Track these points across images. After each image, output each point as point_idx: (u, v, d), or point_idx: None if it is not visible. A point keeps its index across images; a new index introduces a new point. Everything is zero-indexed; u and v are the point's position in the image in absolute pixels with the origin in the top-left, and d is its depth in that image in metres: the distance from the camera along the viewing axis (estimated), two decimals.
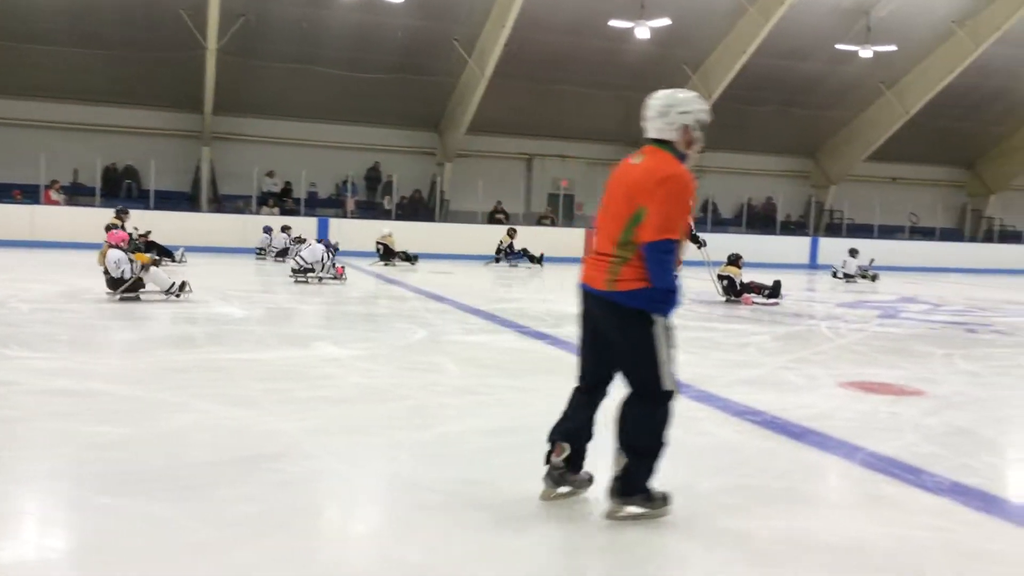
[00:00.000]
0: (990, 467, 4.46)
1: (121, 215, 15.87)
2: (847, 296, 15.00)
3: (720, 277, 12.88)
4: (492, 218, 24.56)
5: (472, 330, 8.97)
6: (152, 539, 3.13)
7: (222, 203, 23.24)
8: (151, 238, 16.35)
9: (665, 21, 19.82)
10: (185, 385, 5.66)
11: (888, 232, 27.15)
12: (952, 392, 6.37)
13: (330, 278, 13.60)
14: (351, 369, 6.52)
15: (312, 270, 13.47)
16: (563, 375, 6.51)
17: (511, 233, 20.23)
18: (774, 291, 12.76)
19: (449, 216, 24.54)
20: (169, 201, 22.33)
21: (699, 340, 8.79)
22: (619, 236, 3.29)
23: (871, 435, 4.92)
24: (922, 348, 8.72)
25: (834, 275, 19.10)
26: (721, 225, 26.80)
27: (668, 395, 3.37)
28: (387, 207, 24.14)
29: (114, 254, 9.91)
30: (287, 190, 23.81)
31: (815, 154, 28.17)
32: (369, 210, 24.25)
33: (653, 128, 3.42)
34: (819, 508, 3.82)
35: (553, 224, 24.66)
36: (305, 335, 8.25)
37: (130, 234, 12.50)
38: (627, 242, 3.27)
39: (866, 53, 21.76)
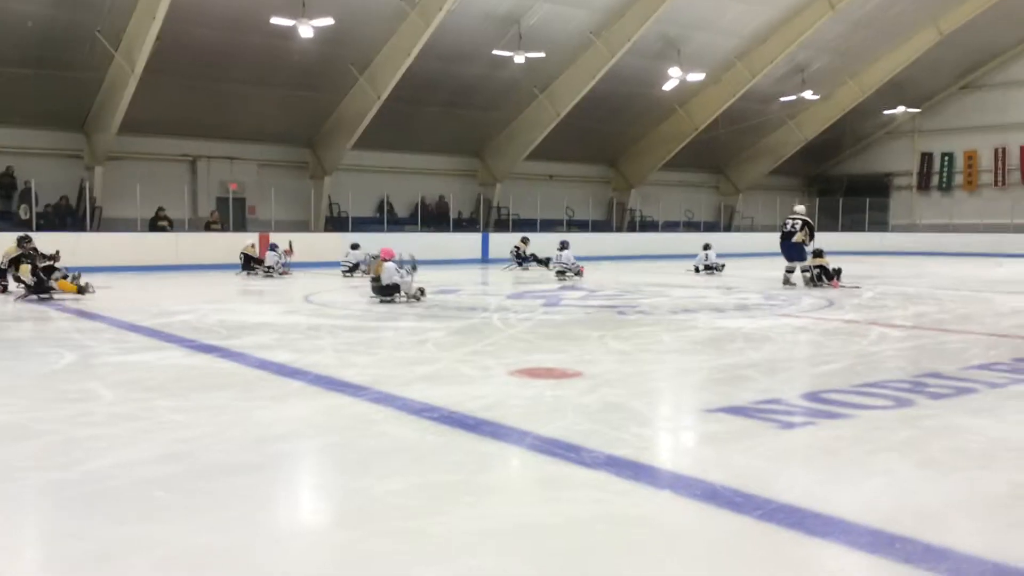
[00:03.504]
0: (638, 437, 4.93)
1: (23, 243, 13.42)
2: (516, 287, 15.94)
3: (812, 267, 15.51)
4: (154, 225, 22.78)
5: (131, 349, 8.21)
6: None
7: None
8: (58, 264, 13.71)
9: (328, 21, 19.63)
10: None
11: (549, 225, 29.35)
12: (606, 371, 6.98)
13: (574, 274, 18.14)
14: None
15: (571, 270, 18.18)
16: (235, 390, 6.20)
17: (524, 241, 22.07)
18: (838, 275, 15.64)
19: (104, 224, 22.36)
20: None
21: (378, 340, 8.81)
22: None
23: (537, 419, 5.23)
24: (580, 332, 9.49)
25: (696, 270, 20.07)
26: (397, 224, 27.25)
27: None
28: (24, 217, 21.41)
29: (389, 266, 12.25)
30: None
31: (481, 153, 29.63)
32: (3, 220, 21.36)
33: None
34: (494, 496, 3.96)
35: (222, 229, 23.46)
36: None
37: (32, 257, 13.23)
38: None
39: (519, 59, 23.28)
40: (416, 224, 27.57)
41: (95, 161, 22.49)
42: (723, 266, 20.24)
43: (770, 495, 3.80)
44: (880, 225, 36.24)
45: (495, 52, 23.43)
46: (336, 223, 26.35)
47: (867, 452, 4.62)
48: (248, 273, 18.59)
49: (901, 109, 33.75)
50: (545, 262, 20.95)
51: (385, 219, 26.91)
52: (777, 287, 15.52)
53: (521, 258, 21.84)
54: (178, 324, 10.00)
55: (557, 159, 30.49)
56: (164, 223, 22.86)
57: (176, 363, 7.43)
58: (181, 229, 22.90)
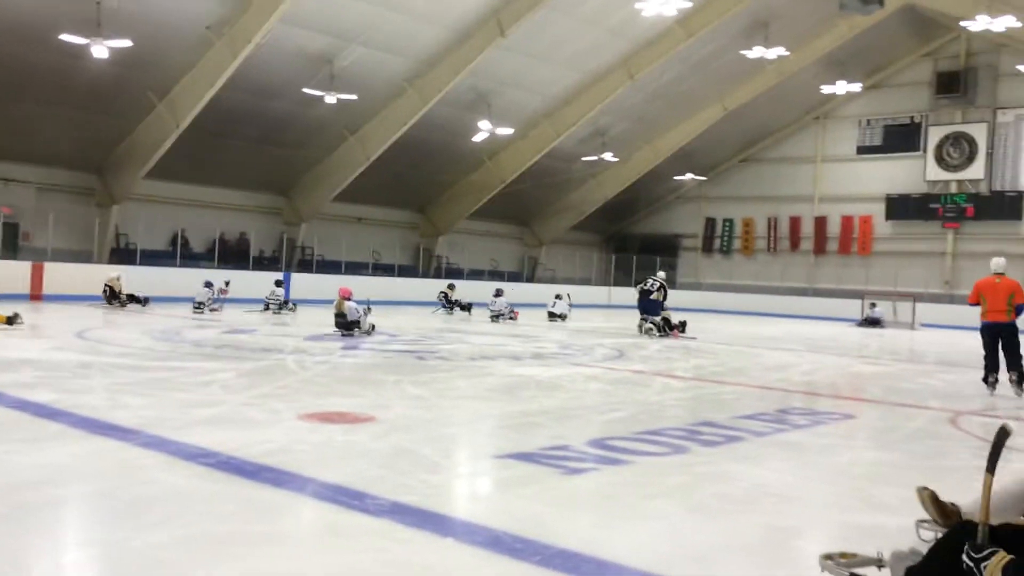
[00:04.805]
0: (425, 484, 4.86)
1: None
2: (316, 330, 15.48)
3: (660, 320, 17.66)
4: None
5: None
6: None
7: None
8: None
9: (126, 42, 18.52)
10: None
11: (354, 268, 28.97)
12: (400, 416, 6.89)
13: (508, 319, 20.29)
14: None
15: (505, 315, 20.33)
16: None
17: (451, 287, 23.77)
18: (682, 327, 18.09)
19: None
20: None
21: (157, 381, 8.23)
22: (1007, 304, 9.87)
23: (324, 465, 5.04)
24: (378, 376, 9.34)
25: (550, 316, 21.74)
26: (192, 259, 25.91)
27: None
28: None
29: (350, 304, 13.97)
30: None
31: (287, 192, 28.88)
32: None
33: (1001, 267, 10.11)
34: (266, 547, 3.73)
35: None
36: None
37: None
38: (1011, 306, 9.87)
39: (331, 99, 23.00)
40: (213, 260, 26.30)
41: None
42: (568, 312, 22.07)
43: (550, 540, 3.84)
44: (669, 282, 38.60)
45: (305, 90, 23.03)
46: (123, 255, 24.67)
47: (644, 497, 4.80)
48: (110, 306, 18.89)
49: (689, 176, 36.46)
50: (468, 307, 22.61)
51: (178, 253, 25.54)
52: (572, 337, 16.06)
53: (449, 303, 23.12)
54: None
55: (366, 202, 30.25)
56: None
57: None
58: None
